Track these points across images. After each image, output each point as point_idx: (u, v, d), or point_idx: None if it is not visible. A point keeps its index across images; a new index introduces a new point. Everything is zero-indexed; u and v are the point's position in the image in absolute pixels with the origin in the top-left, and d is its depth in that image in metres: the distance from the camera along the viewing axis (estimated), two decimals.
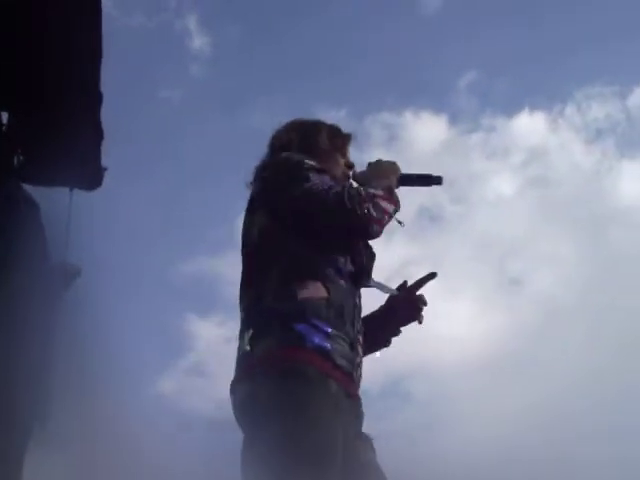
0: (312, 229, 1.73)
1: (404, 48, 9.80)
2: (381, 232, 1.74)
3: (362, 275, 1.82)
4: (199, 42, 9.51)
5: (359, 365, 1.70)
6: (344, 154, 1.97)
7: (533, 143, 9.65)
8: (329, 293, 1.69)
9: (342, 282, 1.73)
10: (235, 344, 1.71)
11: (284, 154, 1.84)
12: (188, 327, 7.77)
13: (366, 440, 1.69)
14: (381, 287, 1.88)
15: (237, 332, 1.74)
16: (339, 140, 1.98)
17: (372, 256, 1.86)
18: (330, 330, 1.64)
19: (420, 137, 9.81)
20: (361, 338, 1.73)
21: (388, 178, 1.82)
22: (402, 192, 1.83)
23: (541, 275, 8.75)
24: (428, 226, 9.60)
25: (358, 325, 1.73)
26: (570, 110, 9.56)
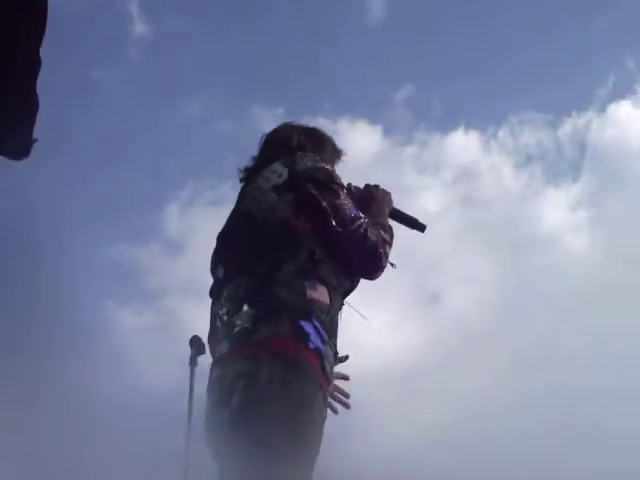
0: (331, 244, 1.78)
1: (346, 56, 9.84)
2: (379, 271, 1.85)
3: (350, 292, 1.88)
4: (140, 28, 9.57)
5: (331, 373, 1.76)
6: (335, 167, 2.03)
7: (465, 162, 10.01)
8: (331, 302, 1.75)
9: (338, 295, 1.80)
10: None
11: (310, 155, 1.90)
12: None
13: None
14: (355, 310, 1.91)
15: (226, 302, 1.76)
16: (336, 153, 2.07)
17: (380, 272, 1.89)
18: (325, 336, 1.70)
19: (354, 146, 9.80)
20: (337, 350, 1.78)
21: (384, 211, 1.91)
22: None
23: (459, 294, 9.13)
24: None
25: (336, 338, 1.78)
26: (503, 133, 9.84)
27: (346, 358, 1.84)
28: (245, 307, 1.68)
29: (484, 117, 10.23)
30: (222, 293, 1.79)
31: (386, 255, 1.81)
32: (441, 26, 10.09)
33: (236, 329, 1.66)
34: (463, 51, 10.00)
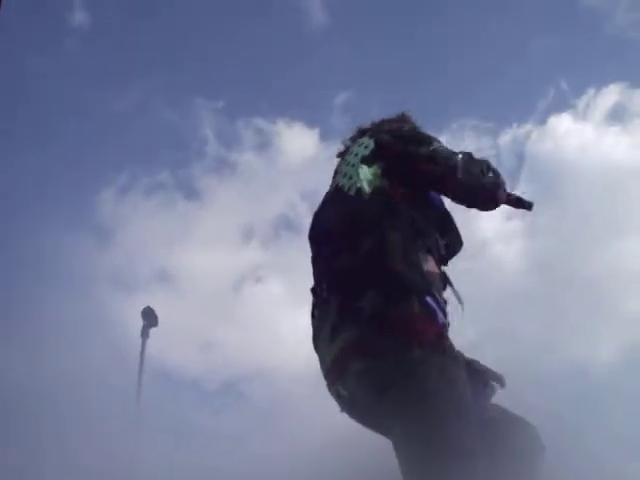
0: (438, 188, 1.77)
1: (287, 60, 10.04)
2: (500, 198, 1.87)
3: (449, 257, 1.86)
4: (79, 17, 9.45)
5: None
6: None
7: None
8: (439, 270, 1.74)
9: (442, 261, 1.82)
10: None
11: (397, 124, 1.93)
12: None
13: None
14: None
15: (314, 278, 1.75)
16: None
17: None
18: (444, 305, 1.72)
19: (291, 148, 10.08)
20: None
21: None
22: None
23: None
24: (284, 234, 9.91)
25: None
26: (444, 139, 10.01)
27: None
28: (369, 290, 1.63)
29: (425, 122, 10.46)
30: (322, 277, 1.76)
31: (496, 185, 1.81)
32: (384, 33, 10.32)
33: (365, 314, 1.62)
34: (405, 59, 10.26)
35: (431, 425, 1.53)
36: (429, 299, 1.65)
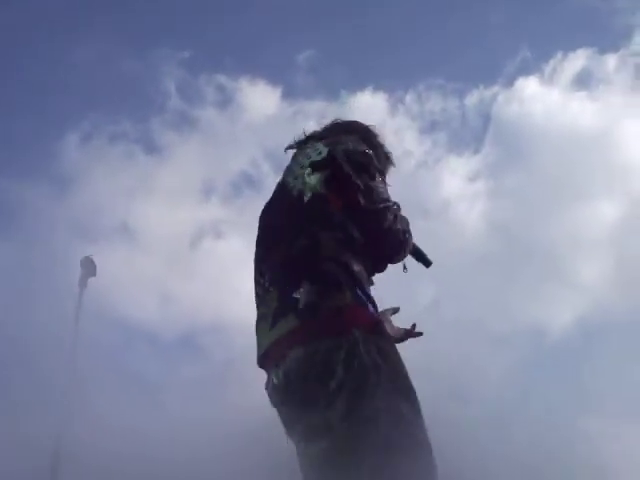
0: (361, 219, 1.83)
1: (249, 17, 9.83)
2: (397, 259, 1.94)
3: (374, 273, 1.92)
4: None
5: None
6: (384, 177, 2.06)
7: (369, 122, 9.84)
8: (367, 273, 1.83)
9: (368, 271, 1.85)
10: None
11: (355, 138, 1.98)
12: None
13: None
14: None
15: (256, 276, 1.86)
16: (388, 164, 2.12)
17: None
18: (374, 302, 1.79)
19: (253, 105, 9.94)
20: None
21: None
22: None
23: None
24: (245, 192, 9.82)
25: None
26: (410, 98, 9.94)
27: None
28: (304, 283, 1.73)
29: (391, 82, 10.37)
30: (262, 267, 1.87)
31: (408, 245, 1.91)
32: None
33: (301, 303, 1.72)
34: (371, 19, 10.10)
35: (378, 402, 1.60)
36: (359, 292, 1.75)
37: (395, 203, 1.90)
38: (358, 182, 1.83)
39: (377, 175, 1.90)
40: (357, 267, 1.78)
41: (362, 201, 1.82)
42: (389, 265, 1.97)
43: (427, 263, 2.04)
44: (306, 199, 1.84)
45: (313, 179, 1.86)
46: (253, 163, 9.55)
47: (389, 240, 1.86)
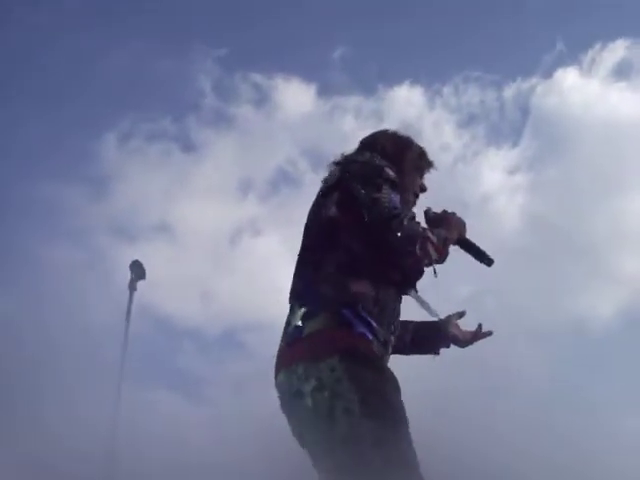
0: (369, 234, 1.80)
1: (283, 14, 9.76)
2: (415, 268, 1.84)
3: (406, 284, 1.90)
4: None
5: (389, 350, 1.83)
6: (422, 176, 2.05)
7: (407, 116, 9.81)
8: (377, 292, 1.79)
9: (388, 286, 1.83)
10: None
11: (368, 154, 1.94)
12: None
13: None
14: (422, 303, 1.98)
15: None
16: (423, 162, 2.06)
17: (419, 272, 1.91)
18: (374, 324, 1.76)
19: (288, 103, 9.89)
20: (393, 339, 1.85)
21: (451, 232, 1.88)
22: None
23: None
24: (282, 189, 9.81)
25: (393, 328, 1.84)
26: (447, 91, 9.80)
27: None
28: (297, 305, 1.80)
29: (427, 74, 10.26)
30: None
31: (424, 250, 1.77)
32: None
33: (289, 328, 1.78)
34: (403, 13, 10.00)
35: (343, 429, 1.62)
36: (346, 311, 1.74)
37: (404, 211, 1.83)
38: (362, 196, 1.80)
39: (384, 185, 1.83)
40: (358, 287, 1.77)
41: (366, 216, 1.79)
42: (424, 271, 1.88)
43: (488, 262, 1.94)
44: (316, 226, 1.88)
45: (324, 203, 1.89)
46: (289, 160, 9.58)
47: (397, 250, 1.79)
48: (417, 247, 1.75)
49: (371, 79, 10.31)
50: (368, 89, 9.82)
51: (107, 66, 9.35)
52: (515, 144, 10.64)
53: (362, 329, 1.73)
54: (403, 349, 2.00)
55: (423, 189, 2.04)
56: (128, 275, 4.56)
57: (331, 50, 9.78)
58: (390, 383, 1.72)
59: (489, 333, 1.95)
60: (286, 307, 1.84)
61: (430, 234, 1.78)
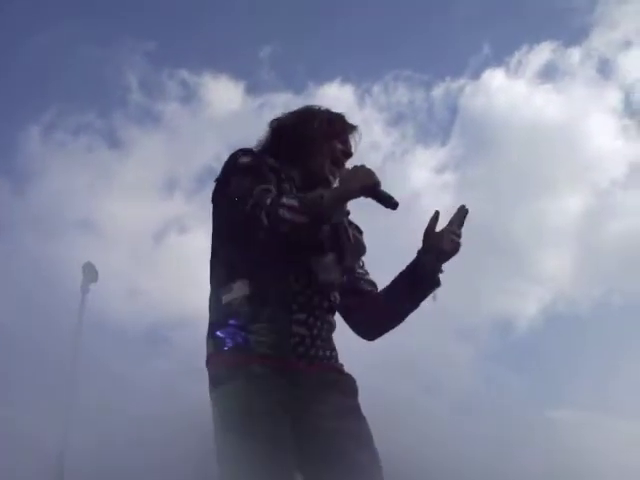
0: (230, 230, 1.78)
1: (210, 12, 9.72)
2: (278, 233, 1.70)
3: (303, 256, 1.79)
4: None
5: (303, 341, 1.72)
6: (343, 141, 1.95)
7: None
8: (252, 287, 1.74)
9: (267, 269, 1.74)
10: None
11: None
12: None
13: (337, 404, 1.71)
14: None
15: None
16: (335, 128, 1.96)
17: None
18: (250, 325, 1.70)
19: (216, 100, 9.87)
20: (305, 316, 1.74)
21: (348, 185, 1.78)
22: None
23: None
24: (209, 187, 9.85)
25: (300, 303, 1.74)
26: (377, 89, 9.99)
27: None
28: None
29: (357, 73, 10.33)
30: None
31: (273, 216, 1.69)
32: None
33: None
34: (332, 12, 10.06)
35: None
36: (219, 332, 1.73)
37: (249, 192, 1.73)
38: (218, 200, 1.81)
39: (233, 177, 1.79)
40: (230, 295, 1.75)
41: (224, 218, 1.79)
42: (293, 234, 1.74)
43: (393, 206, 1.85)
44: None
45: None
46: (217, 158, 9.43)
47: (252, 224, 1.71)
48: (263, 218, 1.67)
49: (301, 77, 10.30)
50: (298, 86, 9.80)
51: (30, 50, 8.90)
52: (443, 143, 10.95)
53: (233, 341, 1.71)
54: (405, 305, 1.87)
55: (346, 153, 1.94)
56: (80, 277, 4.41)
57: (259, 48, 9.72)
58: (252, 417, 1.65)
59: (463, 210, 1.89)
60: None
61: (285, 199, 1.70)
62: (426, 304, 1.87)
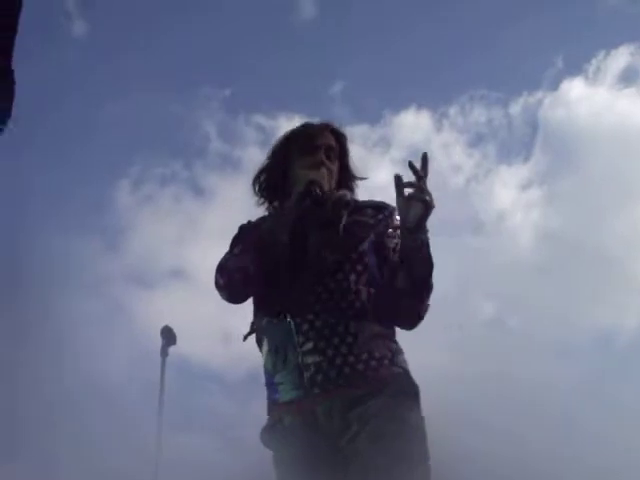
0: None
1: (279, 54, 9.75)
2: (228, 295, 1.91)
3: (265, 307, 1.87)
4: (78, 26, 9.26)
5: (320, 368, 1.70)
6: (311, 148, 1.94)
7: (415, 140, 9.59)
8: (268, 342, 1.80)
9: (267, 317, 1.82)
10: None
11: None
12: None
13: (363, 415, 1.66)
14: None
15: None
16: (307, 133, 1.99)
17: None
18: (275, 379, 1.78)
19: None
20: (313, 343, 1.72)
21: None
22: None
23: None
24: None
25: (304, 332, 1.73)
26: (453, 111, 9.69)
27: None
28: None
29: (429, 97, 10.25)
30: None
31: (225, 278, 1.90)
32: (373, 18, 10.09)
33: None
34: (400, 41, 10.01)
35: None
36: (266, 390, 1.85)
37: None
38: None
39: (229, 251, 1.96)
40: (262, 356, 1.85)
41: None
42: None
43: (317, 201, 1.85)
44: None
45: None
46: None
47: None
48: (219, 279, 1.89)
49: (375, 108, 10.28)
50: (373, 118, 9.79)
51: (115, 112, 9.40)
52: (526, 159, 10.62)
53: (269, 395, 1.82)
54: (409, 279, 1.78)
55: (328, 147, 1.95)
56: (159, 340, 4.59)
57: (330, 85, 9.80)
58: (281, 464, 1.75)
59: (425, 158, 1.73)
60: None
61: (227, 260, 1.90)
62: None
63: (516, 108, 9.87)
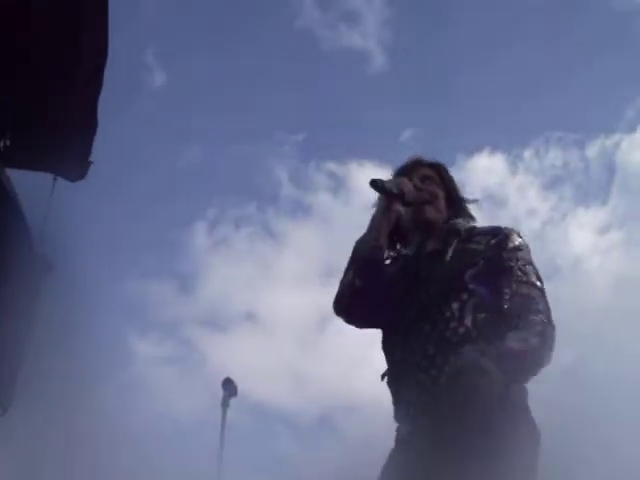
0: None
1: (348, 103, 9.90)
2: (341, 308, 1.99)
3: (404, 326, 1.88)
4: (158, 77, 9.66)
5: (425, 389, 1.74)
6: (411, 178, 2.00)
7: (490, 184, 9.81)
8: (391, 392, 1.88)
9: (392, 357, 1.90)
10: None
11: None
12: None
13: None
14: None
15: None
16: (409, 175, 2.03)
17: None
18: (397, 423, 1.85)
19: (365, 186, 9.90)
20: (422, 376, 1.76)
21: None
22: None
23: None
24: None
25: (419, 369, 1.78)
26: (528, 154, 9.62)
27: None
28: None
29: (504, 142, 10.22)
30: None
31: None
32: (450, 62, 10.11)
33: None
34: (470, 85, 9.98)
35: None
36: None
37: None
38: None
39: None
40: None
41: None
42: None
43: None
44: None
45: None
46: None
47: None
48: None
49: (448, 152, 10.33)
50: (447, 161, 9.78)
51: (191, 151, 9.78)
52: (604, 202, 10.37)
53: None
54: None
55: (423, 179, 2.02)
56: (220, 391, 4.72)
57: (401, 132, 9.92)
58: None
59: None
60: (379, 387, 1.92)
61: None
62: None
63: (593, 150, 9.67)
